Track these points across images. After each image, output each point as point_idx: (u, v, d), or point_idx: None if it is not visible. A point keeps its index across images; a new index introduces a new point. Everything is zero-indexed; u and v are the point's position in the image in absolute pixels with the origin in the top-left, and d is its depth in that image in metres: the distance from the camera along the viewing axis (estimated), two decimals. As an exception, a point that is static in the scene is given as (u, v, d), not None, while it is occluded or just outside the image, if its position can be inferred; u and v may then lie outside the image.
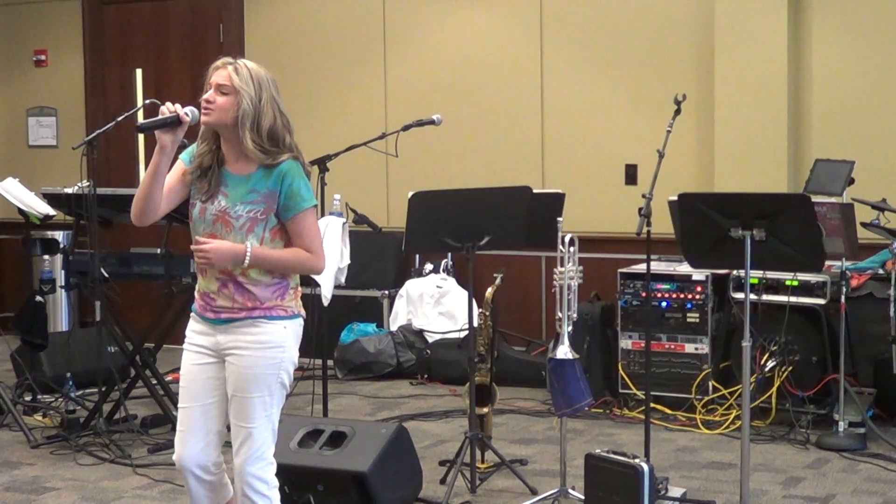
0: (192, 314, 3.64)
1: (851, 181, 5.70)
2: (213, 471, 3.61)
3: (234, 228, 3.49)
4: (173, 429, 5.77)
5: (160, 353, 6.18)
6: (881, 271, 5.83)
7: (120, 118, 5.91)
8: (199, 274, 3.57)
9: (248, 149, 3.48)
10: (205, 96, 3.51)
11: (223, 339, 3.54)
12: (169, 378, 6.88)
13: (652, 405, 5.58)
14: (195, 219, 3.56)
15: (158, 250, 5.90)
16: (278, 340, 3.53)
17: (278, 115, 3.55)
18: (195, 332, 3.61)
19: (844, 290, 5.58)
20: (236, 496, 3.58)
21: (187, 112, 3.47)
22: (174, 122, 3.47)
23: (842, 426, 5.56)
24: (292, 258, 3.52)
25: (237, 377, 3.52)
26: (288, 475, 4.53)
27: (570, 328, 4.64)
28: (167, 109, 3.47)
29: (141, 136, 8.56)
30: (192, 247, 3.48)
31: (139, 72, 8.60)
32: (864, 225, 5.56)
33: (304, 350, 7.25)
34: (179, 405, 3.64)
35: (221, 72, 3.53)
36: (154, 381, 6.02)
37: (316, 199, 3.60)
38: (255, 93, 3.50)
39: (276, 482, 3.58)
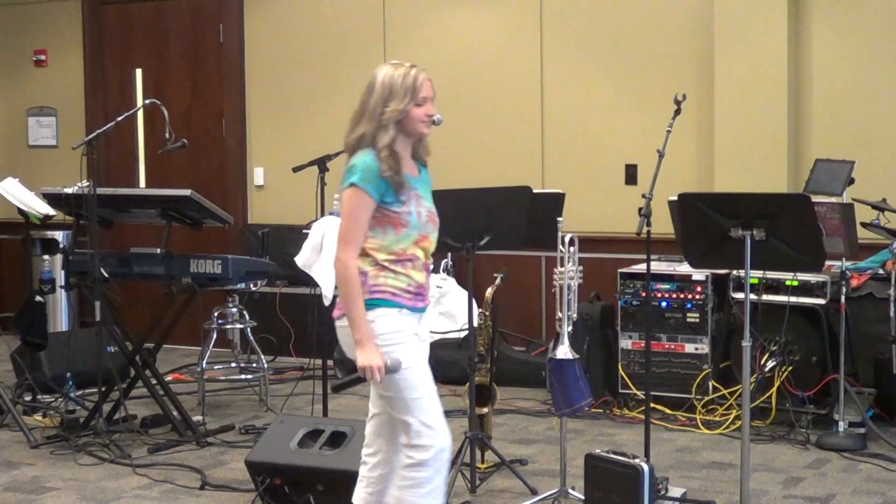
0: (397, 311, 3.63)
1: (851, 181, 5.70)
2: None
3: (437, 225, 3.76)
4: (173, 429, 5.85)
5: (160, 353, 6.17)
6: (881, 271, 5.83)
7: (120, 118, 5.93)
8: (406, 268, 3.64)
9: (420, 152, 3.75)
10: (429, 111, 3.70)
11: (423, 325, 3.75)
12: (169, 378, 6.90)
13: (652, 405, 5.58)
14: (414, 223, 3.67)
15: (158, 250, 5.90)
16: None
17: None
18: (412, 324, 3.68)
19: (844, 290, 5.58)
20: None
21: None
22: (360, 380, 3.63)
23: (842, 426, 5.56)
24: None
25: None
26: (287, 475, 4.54)
27: (570, 328, 4.64)
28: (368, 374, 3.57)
29: (141, 137, 8.57)
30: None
31: (139, 71, 8.61)
32: (864, 225, 5.57)
33: (304, 350, 7.26)
34: (430, 392, 3.66)
35: (429, 84, 3.78)
36: (154, 382, 6.02)
37: None
38: None
39: None
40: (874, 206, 5.62)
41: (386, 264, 3.61)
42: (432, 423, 3.60)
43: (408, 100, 3.66)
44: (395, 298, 3.62)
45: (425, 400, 3.60)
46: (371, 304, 3.60)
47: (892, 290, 5.50)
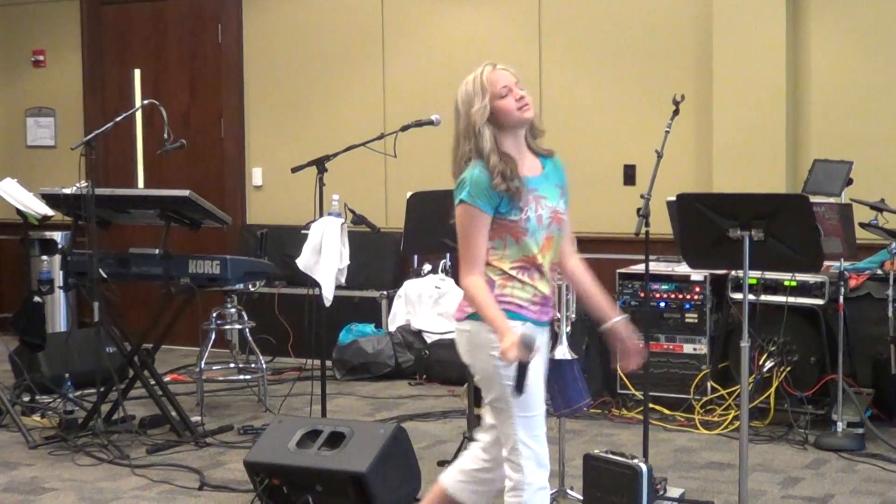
0: (521, 324, 3.43)
1: (850, 181, 5.70)
2: None
3: (565, 223, 3.55)
4: (172, 429, 5.84)
5: (158, 354, 6.17)
6: (879, 272, 5.83)
7: (118, 118, 5.92)
8: (533, 278, 3.45)
9: (533, 140, 3.58)
10: (520, 94, 3.54)
11: (544, 339, 3.59)
12: (168, 379, 6.89)
13: (650, 405, 5.58)
14: (534, 228, 3.45)
15: (157, 251, 5.89)
16: None
17: None
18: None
19: (843, 290, 5.58)
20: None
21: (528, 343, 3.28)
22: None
23: (840, 426, 5.56)
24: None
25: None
26: (286, 476, 4.54)
27: (568, 329, 4.64)
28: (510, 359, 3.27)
29: (139, 138, 8.54)
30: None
31: (138, 72, 8.55)
32: (862, 225, 5.57)
33: (303, 350, 7.25)
34: (538, 410, 3.51)
35: (504, 72, 3.64)
36: (152, 382, 6.02)
37: None
38: None
39: None
40: (872, 207, 5.63)
41: (513, 273, 3.44)
42: (531, 444, 3.47)
43: (486, 97, 3.51)
44: (521, 311, 3.45)
45: (532, 420, 3.47)
46: None
47: (890, 291, 5.50)
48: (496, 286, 3.45)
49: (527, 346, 3.26)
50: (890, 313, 5.49)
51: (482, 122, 3.49)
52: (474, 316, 3.45)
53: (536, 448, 3.49)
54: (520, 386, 3.32)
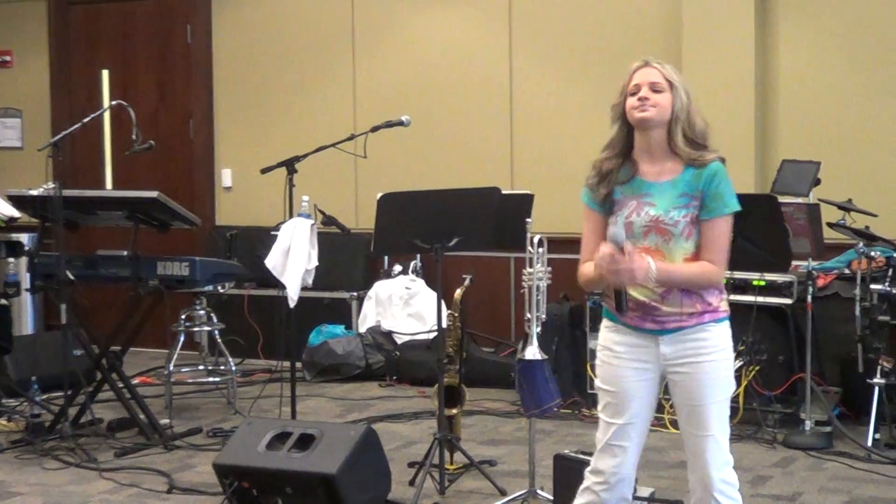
0: (614, 325, 3.46)
1: (817, 182, 5.74)
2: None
3: (674, 235, 3.34)
4: (140, 432, 5.80)
5: (127, 356, 6.12)
6: (847, 271, 5.88)
7: (86, 119, 5.88)
8: (629, 285, 3.35)
9: (678, 146, 3.39)
10: (640, 94, 3.40)
11: (670, 350, 3.40)
12: (136, 381, 6.85)
13: (620, 405, 5.59)
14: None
15: (125, 252, 5.86)
16: (726, 343, 3.41)
17: (701, 113, 3.49)
18: (626, 344, 3.43)
19: (811, 289, 5.62)
20: None
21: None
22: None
23: (808, 425, 5.60)
24: (700, 273, 3.31)
25: (696, 385, 3.39)
26: (256, 478, 4.51)
27: (538, 329, 4.64)
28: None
29: (107, 139, 8.49)
30: (609, 259, 3.27)
31: (106, 73, 8.52)
32: (830, 225, 5.61)
33: (272, 352, 7.22)
34: (613, 419, 3.47)
35: (648, 70, 3.46)
36: (120, 385, 5.98)
37: (738, 206, 3.38)
38: (685, 88, 3.45)
39: (737, 482, 3.44)
40: (840, 207, 5.67)
41: None
42: (599, 445, 3.50)
43: (622, 93, 3.47)
44: (617, 314, 3.43)
45: (609, 427, 3.46)
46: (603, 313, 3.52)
47: (857, 290, 5.54)
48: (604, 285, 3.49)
49: (613, 242, 3.27)
50: (857, 312, 5.53)
51: (614, 117, 3.49)
52: (603, 313, 3.51)
53: (598, 451, 3.51)
54: (619, 302, 3.33)
